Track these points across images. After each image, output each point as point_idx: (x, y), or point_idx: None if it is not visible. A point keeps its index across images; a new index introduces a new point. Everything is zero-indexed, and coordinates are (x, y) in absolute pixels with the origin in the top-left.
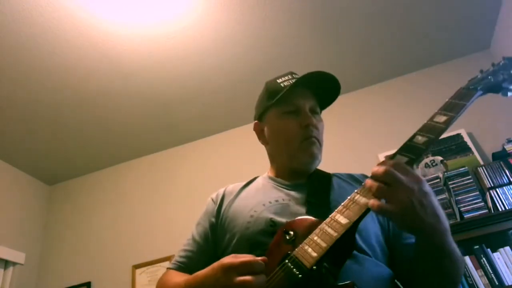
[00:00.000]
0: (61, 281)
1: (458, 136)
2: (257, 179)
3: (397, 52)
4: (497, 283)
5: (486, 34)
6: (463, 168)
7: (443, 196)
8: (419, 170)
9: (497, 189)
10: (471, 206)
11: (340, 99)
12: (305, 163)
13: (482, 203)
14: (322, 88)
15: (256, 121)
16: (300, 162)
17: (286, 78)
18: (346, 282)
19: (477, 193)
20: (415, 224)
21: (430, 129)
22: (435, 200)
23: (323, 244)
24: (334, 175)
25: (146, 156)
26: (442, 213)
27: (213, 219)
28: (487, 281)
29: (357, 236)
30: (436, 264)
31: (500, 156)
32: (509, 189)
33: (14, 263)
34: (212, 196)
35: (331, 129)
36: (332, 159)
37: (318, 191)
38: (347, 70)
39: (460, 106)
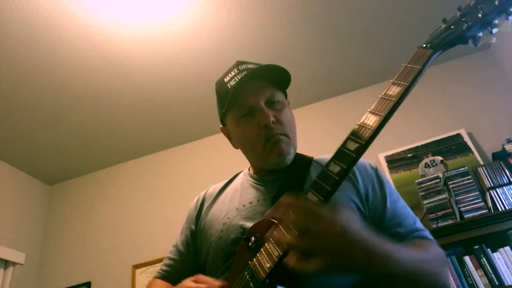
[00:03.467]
0: (61, 281)
1: (458, 136)
2: (238, 176)
3: (397, 52)
4: (497, 283)
5: None
6: (463, 168)
7: (443, 196)
8: (419, 170)
9: (497, 189)
10: (471, 206)
11: (340, 99)
12: (277, 163)
13: (482, 203)
14: (271, 71)
15: (221, 126)
16: (271, 163)
17: (233, 73)
18: None
19: (477, 193)
20: (344, 272)
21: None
22: (363, 232)
23: (275, 253)
24: (315, 161)
25: (146, 156)
26: (375, 242)
27: (193, 227)
28: (487, 281)
29: None
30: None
31: (500, 156)
32: (509, 189)
33: (14, 263)
34: (194, 201)
35: (331, 129)
36: None
37: (291, 184)
38: (347, 70)
39: (415, 72)
